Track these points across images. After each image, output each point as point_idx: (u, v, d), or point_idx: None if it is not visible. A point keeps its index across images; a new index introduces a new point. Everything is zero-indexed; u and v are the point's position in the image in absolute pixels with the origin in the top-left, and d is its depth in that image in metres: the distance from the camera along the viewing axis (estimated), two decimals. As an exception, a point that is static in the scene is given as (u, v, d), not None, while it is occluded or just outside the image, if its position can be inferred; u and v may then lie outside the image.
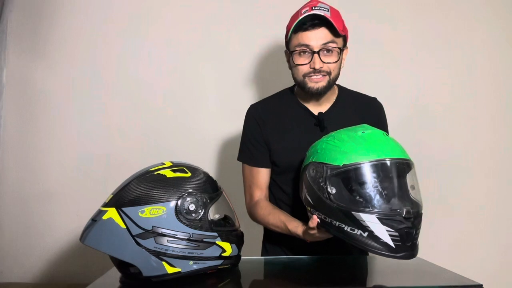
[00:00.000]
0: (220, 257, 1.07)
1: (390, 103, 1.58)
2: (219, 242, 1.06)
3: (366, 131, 1.08)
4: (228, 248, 1.08)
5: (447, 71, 2.20)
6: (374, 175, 1.02)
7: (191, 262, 1.03)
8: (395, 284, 1.08)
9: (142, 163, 1.21)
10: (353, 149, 1.04)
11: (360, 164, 1.02)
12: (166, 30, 2.17)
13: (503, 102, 2.22)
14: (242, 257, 1.16)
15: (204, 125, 2.16)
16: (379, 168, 1.03)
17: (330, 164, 1.05)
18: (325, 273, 1.20)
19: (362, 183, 1.03)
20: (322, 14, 1.26)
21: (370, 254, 1.34)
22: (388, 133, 1.45)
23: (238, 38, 2.17)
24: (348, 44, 1.38)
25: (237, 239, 1.13)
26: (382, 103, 1.49)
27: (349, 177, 1.04)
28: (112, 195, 1.05)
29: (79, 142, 2.16)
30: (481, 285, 1.01)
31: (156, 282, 1.02)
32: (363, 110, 1.43)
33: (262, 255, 1.50)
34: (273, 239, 1.46)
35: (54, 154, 2.16)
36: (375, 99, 1.49)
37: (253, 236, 1.45)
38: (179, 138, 2.14)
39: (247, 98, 1.60)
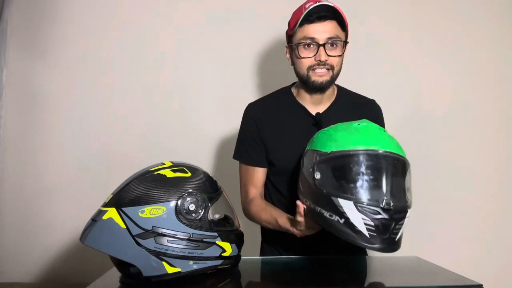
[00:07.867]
0: (220, 257, 1.07)
1: (390, 104, 1.58)
2: (219, 242, 1.06)
3: (362, 124, 1.10)
4: (228, 248, 1.08)
5: (447, 72, 2.20)
6: (359, 163, 1.02)
7: (191, 262, 1.03)
8: (395, 284, 1.08)
9: (142, 163, 1.21)
10: (343, 138, 1.06)
11: (347, 152, 1.03)
12: (166, 29, 2.17)
13: (503, 103, 2.22)
14: (242, 257, 1.16)
15: (204, 124, 2.16)
16: (365, 157, 1.03)
17: (319, 151, 1.07)
18: (325, 273, 1.20)
19: (346, 171, 1.03)
20: (331, 4, 1.28)
21: (369, 254, 1.35)
22: None
23: (237, 37, 2.16)
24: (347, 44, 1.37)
25: (237, 239, 1.13)
26: (381, 105, 1.49)
27: (335, 164, 1.05)
28: (112, 195, 1.05)
29: (78, 142, 2.15)
30: (481, 285, 1.01)
31: (156, 282, 1.02)
32: (361, 111, 1.42)
33: (260, 255, 1.50)
34: (270, 239, 1.46)
35: (54, 154, 2.16)
36: (373, 101, 1.49)
37: (253, 236, 1.45)
38: (179, 138, 2.14)
39: (247, 97, 1.60)
